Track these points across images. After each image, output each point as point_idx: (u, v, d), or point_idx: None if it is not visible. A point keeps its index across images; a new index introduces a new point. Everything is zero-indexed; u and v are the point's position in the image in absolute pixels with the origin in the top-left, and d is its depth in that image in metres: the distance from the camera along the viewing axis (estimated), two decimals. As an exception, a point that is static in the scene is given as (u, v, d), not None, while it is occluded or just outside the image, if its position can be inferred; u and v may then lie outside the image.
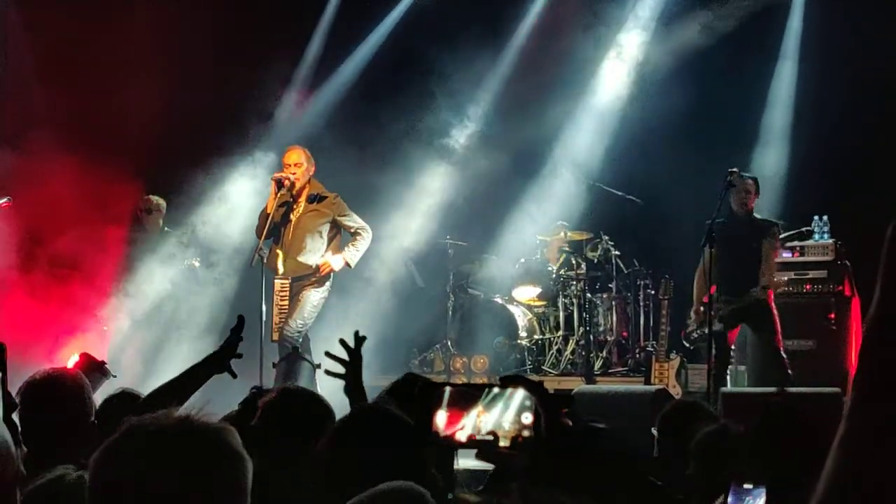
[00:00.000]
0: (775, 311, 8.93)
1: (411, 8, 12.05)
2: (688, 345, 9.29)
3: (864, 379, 1.08)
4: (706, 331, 8.55)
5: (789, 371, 8.76)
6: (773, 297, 8.92)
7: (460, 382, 2.56)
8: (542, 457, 2.22)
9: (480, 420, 2.22)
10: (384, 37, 12.17)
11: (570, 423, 2.43)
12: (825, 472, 1.08)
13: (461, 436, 2.23)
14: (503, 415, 2.21)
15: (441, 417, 2.23)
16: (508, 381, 2.26)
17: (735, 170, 8.84)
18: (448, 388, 2.26)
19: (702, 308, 8.81)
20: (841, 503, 1.06)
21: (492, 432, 2.22)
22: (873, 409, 1.06)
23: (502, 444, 2.21)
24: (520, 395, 2.22)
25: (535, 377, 10.40)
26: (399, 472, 2.47)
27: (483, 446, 2.23)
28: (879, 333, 1.08)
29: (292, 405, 3.54)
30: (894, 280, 1.09)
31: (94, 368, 5.93)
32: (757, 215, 9.09)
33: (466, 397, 2.24)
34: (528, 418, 2.20)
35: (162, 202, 10.41)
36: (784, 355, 8.85)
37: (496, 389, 2.24)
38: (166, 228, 10.41)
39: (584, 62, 11.68)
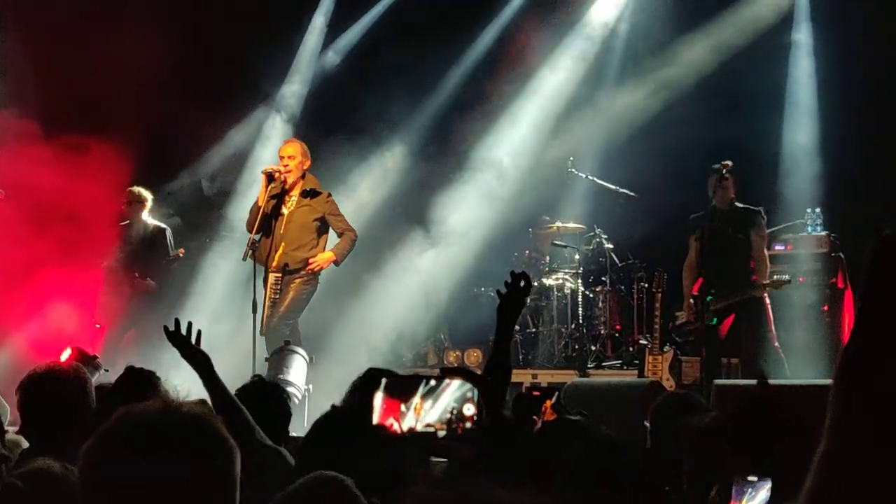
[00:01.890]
0: (768, 304, 8.97)
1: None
2: (677, 338, 9.33)
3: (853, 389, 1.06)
4: (696, 324, 8.76)
5: (785, 363, 8.81)
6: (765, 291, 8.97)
7: (399, 374, 2.57)
8: (489, 448, 2.21)
9: (420, 411, 2.19)
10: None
11: (555, 416, 2.42)
12: (815, 464, 1.06)
13: (401, 427, 2.21)
14: (443, 406, 2.19)
15: (377, 407, 2.21)
16: (449, 373, 2.25)
17: (728, 162, 8.85)
18: (384, 381, 2.24)
19: (692, 301, 8.94)
20: (834, 491, 1.05)
21: (432, 424, 2.19)
22: (863, 418, 1.04)
23: (442, 434, 2.19)
24: (460, 386, 2.20)
25: (528, 371, 10.44)
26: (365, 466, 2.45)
27: (424, 438, 2.21)
28: (865, 345, 1.06)
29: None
30: (878, 297, 1.06)
31: (86, 362, 5.93)
32: (739, 204, 9.10)
33: (403, 388, 2.22)
34: (469, 410, 2.19)
35: (145, 193, 10.27)
36: (778, 347, 8.89)
37: (433, 381, 2.22)
38: (150, 220, 10.31)
39: (580, 51, 11.69)
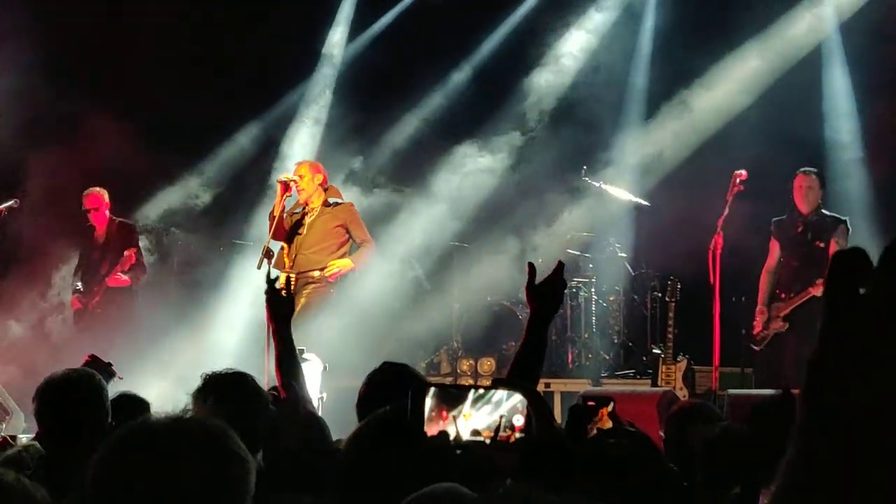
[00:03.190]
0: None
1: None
2: (754, 346, 9.05)
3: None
4: (771, 331, 8.72)
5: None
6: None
7: (447, 383, 2.60)
8: (536, 458, 2.21)
9: (467, 421, 2.20)
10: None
11: (612, 424, 2.43)
12: (779, 469, 1.09)
13: (449, 436, 2.21)
14: (491, 416, 2.20)
15: (426, 417, 2.21)
16: (500, 384, 2.26)
17: (742, 171, 8.82)
18: (433, 388, 2.24)
19: (765, 308, 8.84)
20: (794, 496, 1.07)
21: (480, 433, 2.20)
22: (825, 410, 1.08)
23: (491, 445, 2.19)
24: (509, 397, 2.20)
25: (541, 379, 10.43)
26: (416, 476, 2.45)
27: (472, 447, 2.22)
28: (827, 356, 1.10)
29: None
30: (834, 308, 1.09)
31: (101, 369, 5.94)
32: (825, 211, 8.95)
33: (451, 397, 2.23)
34: (519, 420, 2.20)
35: (104, 193, 10.19)
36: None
37: (481, 390, 2.23)
38: (114, 218, 10.27)
39: (595, 56, 11.72)
